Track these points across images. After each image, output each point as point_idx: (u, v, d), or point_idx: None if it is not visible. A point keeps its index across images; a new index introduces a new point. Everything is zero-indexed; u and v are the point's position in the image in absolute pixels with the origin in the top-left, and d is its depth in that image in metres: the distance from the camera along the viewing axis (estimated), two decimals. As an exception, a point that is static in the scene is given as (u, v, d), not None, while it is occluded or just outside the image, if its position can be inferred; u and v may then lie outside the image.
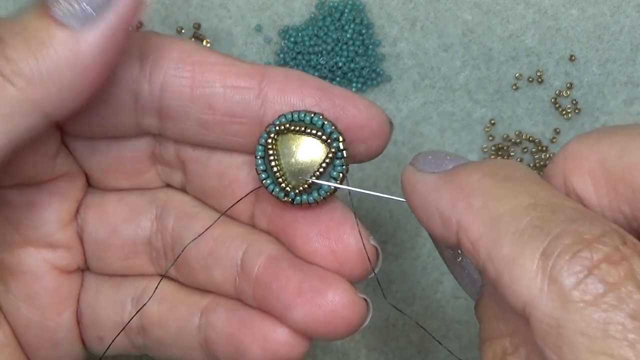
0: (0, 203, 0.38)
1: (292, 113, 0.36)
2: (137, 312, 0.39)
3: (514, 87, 0.51)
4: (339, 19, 0.51)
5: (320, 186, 0.37)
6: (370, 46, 0.51)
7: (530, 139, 0.52)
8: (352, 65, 0.51)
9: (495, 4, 0.51)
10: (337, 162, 0.37)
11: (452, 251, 0.36)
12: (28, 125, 0.32)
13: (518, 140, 0.52)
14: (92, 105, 0.35)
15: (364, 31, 0.51)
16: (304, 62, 0.51)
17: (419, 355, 0.52)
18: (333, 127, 0.36)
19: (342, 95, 0.37)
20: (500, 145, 0.52)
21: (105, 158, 0.39)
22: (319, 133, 0.36)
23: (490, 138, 0.52)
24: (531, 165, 0.52)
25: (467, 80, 0.51)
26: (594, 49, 0.51)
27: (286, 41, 0.51)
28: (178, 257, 0.39)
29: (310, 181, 0.37)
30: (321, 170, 0.37)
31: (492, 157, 0.52)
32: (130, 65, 0.36)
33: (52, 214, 0.39)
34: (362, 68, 0.51)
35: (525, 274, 0.28)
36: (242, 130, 0.37)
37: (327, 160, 0.37)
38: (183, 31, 0.51)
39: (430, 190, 0.32)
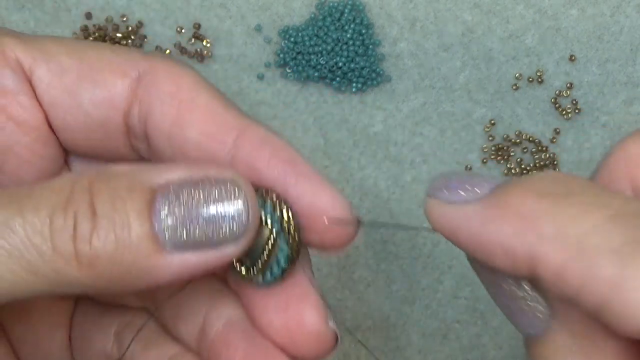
0: None
1: None
2: (122, 354, 0.39)
3: (514, 87, 0.51)
4: (339, 19, 0.51)
5: (271, 268, 0.35)
6: (370, 46, 0.51)
7: (530, 139, 0.52)
8: (352, 65, 0.51)
9: (495, 4, 0.51)
10: (283, 245, 0.34)
11: (511, 285, 0.32)
12: (53, 289, 0.31)
13: (518, 140, 0.52)
14: (90, 127, 0.35)
15: (364, 31, 0.51)
16: (304, 62, 0.51)
17: (419, 355, 0.52)
18: (279, 207, 0.34)
19: (309, 177, 0.33)
20: (500, 145, 0.52)
21: None
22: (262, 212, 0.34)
23: (490, 138, 0.52)
24: (531, 165, 0.52)
25: (467, 80, 0.51)
26: (594, 49, 0.51)
27: (286, 41, 0.51)
28: (146, 323, 0.38)
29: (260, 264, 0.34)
30: (266, 252, 0.34)
31: (492, 157, 0.51)
32: (125, 85, 0.35)
33: None
34: (362, 68, 0.51)
35: None
36: None
37: (271, 242, 0.34)
38: (183, 31, 0.51)
39: (479, 223, 0.30)
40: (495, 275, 0.31)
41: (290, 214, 0.33)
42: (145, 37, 0.51)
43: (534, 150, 0.52)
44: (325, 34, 0.51)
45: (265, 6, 0.51)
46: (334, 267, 0.52)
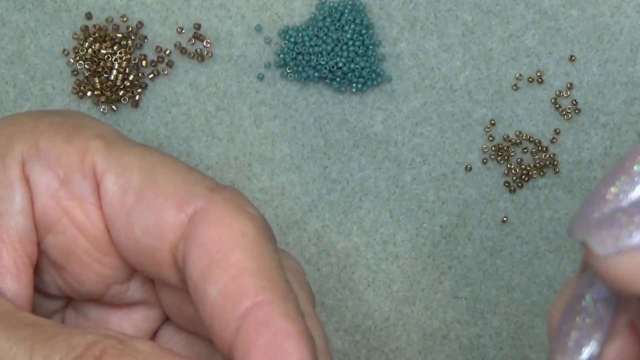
0: (79, 312, 0.38)
1: None
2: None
3: (514, 87, 0.51)
4: (339, 20, 0.51)
5: None
6: (370, 46, 0.51)
7: (530, 139, 0.52)
8: (352, 66, 0.51)
9: (495, 4, 0.51)
10: None
11: None
12: None
13: (518, 140, 0.52)
14: (139, 251, 0.35)
15: (364, 31, 0.51)
16: (304, 62, 0.51)
17: (419, 356, 0.52)
18: None
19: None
20: (500, 146, 0.52)
21: (175, 298, 0.37)
22: None
23: (490, 138, 0.52)
24: (531, 165, 0.52)
25: (467, 80, 0.51)
26: (594, 49, 0.51)
27: (286, 41, 0.51)
28: None
29: None
30: None
31: (492, 157, 0.52)
32: (178, 220, 0.34)
33: None
34: (362, 68, 0.51)
35: None
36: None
37: None
38: (183, 31, 0.51)
39: None
40: None
41: None
42: (145, 37, 0.51)
43: (534, 150, 0.52)
44: (325, 34, 0.51)
45: (265, 6, 0.51)
46: (334, 267, 0.52)
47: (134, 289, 0.37)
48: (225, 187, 0.34)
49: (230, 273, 0.32)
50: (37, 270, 0.36)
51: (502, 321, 0.52)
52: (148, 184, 0.34)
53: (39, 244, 0.35)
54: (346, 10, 0.51)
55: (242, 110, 0.52)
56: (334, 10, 0.51)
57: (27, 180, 0.35)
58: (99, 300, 0.37)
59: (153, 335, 0.39)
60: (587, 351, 0.27)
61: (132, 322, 0.38)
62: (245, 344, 0.31)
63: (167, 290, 0.37)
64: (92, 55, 0.51)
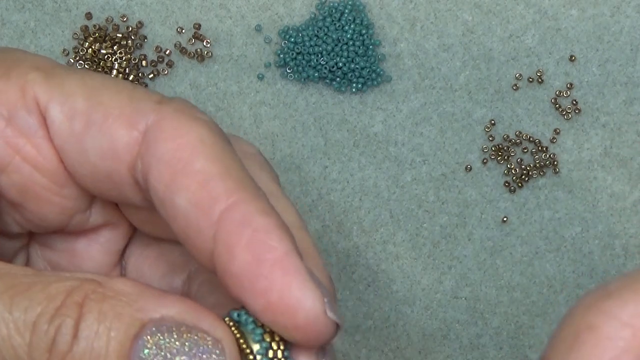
0: (43, 245, 0.38)
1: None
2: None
3: (514, 87, 0.51)
4: (339, 19, 0.51)
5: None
6: (370, 46, 0.51)
7: (530, 139, 0.52)
8: (352, 66, 0.51)
9: (495, 4, 0.51)
10: (256, 330, 0.31)
11: None
12: None
13: (518, 141, 0.52)
14: (96, 176, 0.34)
15: (364, 31, 0.51)
16: (304, 62, 0.51)
17: (419, 356, 0.52)
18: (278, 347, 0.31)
19: (284, 269, 0.30)
20: (500, 145, 0.52)
21: (142, 213, 0.37)
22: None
23: (490, 138, 0.52)
24: (531, 165, 0.52)
25: (467, 80, 0.51)
26: (594, 49, 0.51)
27: (286, 41, 0.51)
28: None
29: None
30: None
31: (492, 157, 0.52)
32: (131, 138, 0.33)
33: (90, 263, 0.38)
34: (362, 68, 0.51)
35: None
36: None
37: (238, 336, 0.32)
38: (183, 31, 0.51)
39: None
40: None
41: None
42: (145, 37, 0.51)
43: (534, 150, 0.52)
44: (325, 34, 0.51)
45: (265, 6, 0.51)
46: (334, 267, 0.52)
47: (96, 214, 0.37)
48: (172, 98, 0.34)
49: (197, 180, 0.31)
50: None
51: (502, 321, 0.52)
52: (94, 107, 0.33)
53: None
54: (346, 10, 0.51)
55: (242, 110, 0.52)
56: (334, 10, 0.51)
57: None
58: (63, 230, 0.37)
59: (121, 254, 0.38)
60: None
61: (99, 245, 0.38)
62: (226, 247, 0.30)
63: (133, 209, 0.36)
64: (92, 55, 0.51)
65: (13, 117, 0.34)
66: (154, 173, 0.32)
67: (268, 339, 0.31)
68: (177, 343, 0.30)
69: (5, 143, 0.34)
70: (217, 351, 0.30)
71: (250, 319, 0.31)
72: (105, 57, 0.51)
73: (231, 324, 0.31)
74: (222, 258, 0.31)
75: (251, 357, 0.31)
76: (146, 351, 0.30)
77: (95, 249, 0.38)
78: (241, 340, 0.31)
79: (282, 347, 0.31)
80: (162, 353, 0.30)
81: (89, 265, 0.38)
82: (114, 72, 0.51)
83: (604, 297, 0.27)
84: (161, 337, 0.30)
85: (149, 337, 0.30)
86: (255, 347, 0.31)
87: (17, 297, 0.30)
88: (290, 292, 0.30)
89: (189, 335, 0.30)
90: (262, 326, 0.31)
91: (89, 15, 0.51)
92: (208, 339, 0.30)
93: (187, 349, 0.30)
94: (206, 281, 0.36)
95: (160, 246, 0.38)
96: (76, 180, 0.34)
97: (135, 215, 0.37)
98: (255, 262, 0.30)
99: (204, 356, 0.30)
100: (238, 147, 0.35)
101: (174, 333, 0.30)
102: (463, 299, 0.52)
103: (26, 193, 0.35)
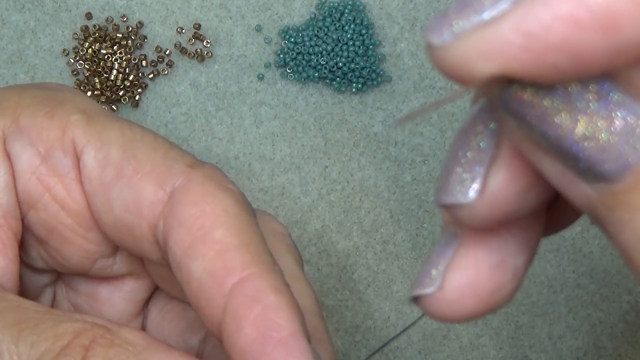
0: (69, 287, 0.38)
1: None
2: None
3: (514, 87, 0.51)
4: (339, 19, 0.51)
5: None
6: (371, 46, 0.51)
7: (530, 139, 0.52)
8: (352, 66, 0.51)
9: (495, 4, 0.51)
10: None
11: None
12: None
13: (518, 141, 0.52)
14: (119, 228, 0.34)
15: (364, 31, 0.51)
16: (304, 62, 0.51)
17: (419, 356, 0.52)
18: None
19: (286, 350, 0.30)
20: (500, 146, 0.52)
21: (162, 270, 0.37)
22: None
23: (490, 138, 0.52)
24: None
25: (467, 80, 0.51)
26: (594, 49, 0.51)
27: (286, 41, 0.51)
28: None
29: None
30: None
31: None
32: (157, 197, 0.33)
33: (112, 310, 0.38)
34: (362, 68, 0.51)
35: None
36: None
37: None
38: (183, 31, 0.51)
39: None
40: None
41: None
42: (145, 37, 0.51)
43: (534, 150, 0.52)
44: (326, 34, 0.51)
45: (265, 6, 0.51)
46: (334, 267, 0.52)
47: (121, 262, 0.37)
48: (204, 164, 0.34)
49: (215, 249, 0.31)
50: (22, 245, 0.36)
51: (502, 321, 0.52)
52: (127, 160, 0.33)
53: (22, 220, 0.35)
54: (346, 10, 0.51)
55: (242, 110, 0.52)
56: (334, 10, 0.51)
57: (8, 157, 0.34)
58: (87, 274, 0.37)
59: (146, 304, 0.39)
60: (471, 187, 0.25)
61: (122, 293, 0.38)
62: (234, 320, 0.30)
63: (153, 264, 0.36)
64: (92, 55, 0.51)
65: (49, 155, 0.34)
66: (174, 236, 0.32)
67: None
68: None
69: (38, 180, 0.34)
70: None
71: None
72: (105, 57, 0.51)
73: None
74: (229, 330, 0.31)
75: None
76: None
77: (118, 297, 0.38)
78: None
79: None
80: None
81: (111, 312, 0.38)
82: (114, 72, 0.51)
83: None
84: None
85: None
86: None
87: (25, 332, 0.30)
88: None
89: None
90: None
91: (89, 15, 0.51)
92: None
93: None
94: (219, 345, 0.36)
95: (181, 303, 0.38)
96: (100, 227, 0.35)
97: (156, 271, 0.37)
98: (260, 339, 0.30)
99: None
100: (268, 225, 0.35)
101: None
102: (463, 299, 0.52)
103: (52, 231, 0.35)
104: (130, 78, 0.51)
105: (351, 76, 0.51)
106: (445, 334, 0.52)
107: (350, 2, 0.51)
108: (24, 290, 0.36)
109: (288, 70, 0.51)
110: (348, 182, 0.52)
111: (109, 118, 0.35)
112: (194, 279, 0.31)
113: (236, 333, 0.30)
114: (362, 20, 0.51)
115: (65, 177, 0.34)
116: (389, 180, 0.52)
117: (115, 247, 0.36)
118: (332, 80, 0.51)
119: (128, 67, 0.51)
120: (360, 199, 0.52)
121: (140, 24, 0.51)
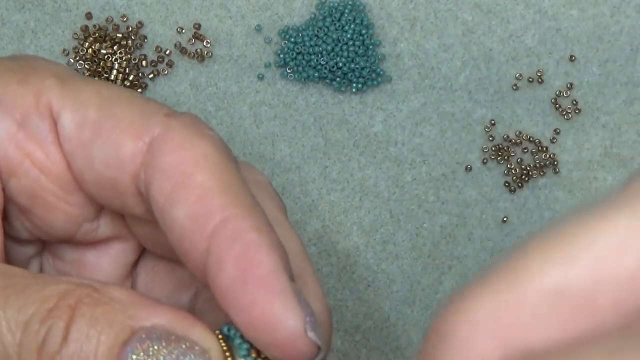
0: (55, 256, 0.38)
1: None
2: None
3: (514, 87, 0.51)
4: (339, 19, 0.51)
5: None
6: (371, 46, 0.51)
7: (530, 139, 0.52)
8: (352, 66, 0.51)
9: (495, 4, 0.51)
10: (242, 345, 0.31)
11: None
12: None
13: (518, 141, 0.52)
14: (101, 184, 0.34)
15: (364, 31, 0.51)
16: (304, 62, 0.51)
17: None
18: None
19: (268, 287, 0.30)
20: (500, 146, 0.52)
21: (147, 229, 0.37)
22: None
23: (490, 138, 0.52)
24: (531, 165, 0.52)
25: (467, 80, 0.51)
26: (594, 49, 0.51)
27: (286, 41, 0.51)
28: None
29: None
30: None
31: (492, 157, 0.52)
32: (136, 148, 0.33)
33: (100, 275, 0.38)
34: (362, 68, 0.51)
35: None
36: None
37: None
38: (183, 31, 0.51)
39: None
40: None
41: None
42: (145, 37, 0.51)
43: (534, 150, 0.52)
44: (325, 34, 0.51)
45: (265, 6, 0.51)
46: (334, 267, 0.52)
47: (105, 225, 0.37)
48: (182, 113, 0.34)
49: (196, 194, 0.31)
50: (5, 216, 0.35)
51: (502, 321, 0.52)
52: (105, 118, 0.33)
53: (3, 190, 0.35)
54: (346, 10, 0.51)
55: (242, 110, 0.52)
56: (334, 10, 0.51)
57: None
58: (72, 240, 0.37)
59: (134, 267, 0.39)
60: None
61: (109, 257, 0.38)
62: (216, 261, 0.31)
63: (138, 223, 0.36)
64: (92, 55, 0.51)
65: (26, 121, 0.34)
66: (155, 184, 0.32)
67: (254, 355, 0.31)
68: (164, 351, 0.30)
69: (16, 147, 0.34)
70: None
71: (238, 334, 0.31)
72: (105, 57, 0.51)
73: (220, 337, 0.31)
74: (212, 272, 0.31)
75: None
76: (134, 357, 0.30)
77: (105, 261, 0.38)
78: (227, 354, 0.31)
79: None
80: None
81: (99, 278, 0.38)
82: (114, 72, 0.51)
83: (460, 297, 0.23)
84: (150, 345, 0.30)
85: (138, 344, 0.30)
86: None
87: (12, 297, 0.30)
88: (272, 310, 0.30)
89: (177, 344, 0.30)
90: (250, 342, 0.31)
91: (89, 15, 0.51)
92: (196, 348, 0.30)
93: (174, 357, 0.30)
94: (209, 298, 0.36)
95: (169, 263, 0.38)
96: (82, 187, 0.35)
97: (141, 231, 0.37)
98: (241, 277, 0.30)
99: None
100: (249, 175, 0.35)
101: (163, 341, 0.30)
102: (463, 299, 0.52)
103: (34, 198, 0.35)
104: (130, 78, 0.51)
105: (351, 76, 0.51)
106: (445, 334, 0.52)
107: (350, 2, 0.51)
108: (9, 263, 0.35)
109: (288, 70, 0.51)
110: (348, 182, 0.52)
111: (83, 80, 0.35)
112: (176, 225, 0.32)
113: (218, 274, 0.30)
114: (362, 20, 0.51)
115: (43, 141, 0.34)
116: (389, 180, 0.52)
117: (98, 210, 0.36)
118: (332, 80, 0.51)
119: (128, 67, 0.51)
120: (360, 199, 0.52)
121: (140, 24, 0.51)
